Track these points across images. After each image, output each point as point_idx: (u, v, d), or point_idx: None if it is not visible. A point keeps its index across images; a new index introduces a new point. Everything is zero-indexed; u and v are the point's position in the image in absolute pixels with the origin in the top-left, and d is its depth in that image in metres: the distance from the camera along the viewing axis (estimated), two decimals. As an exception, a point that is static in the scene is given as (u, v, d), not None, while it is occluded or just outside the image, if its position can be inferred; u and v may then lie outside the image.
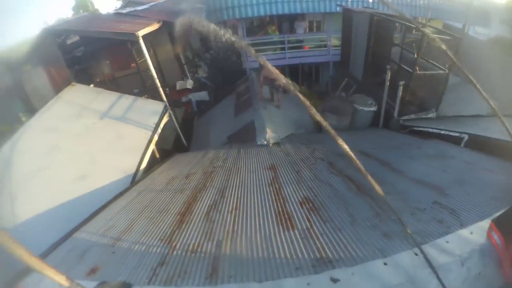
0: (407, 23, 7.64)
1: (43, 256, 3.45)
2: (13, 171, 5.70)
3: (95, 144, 6.86)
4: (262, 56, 1.92)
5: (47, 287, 2.50)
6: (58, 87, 8.78)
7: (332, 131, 2.04)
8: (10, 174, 5.64)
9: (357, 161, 2.06)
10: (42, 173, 5.79)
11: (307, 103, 2.02)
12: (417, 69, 6.83)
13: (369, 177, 2.09)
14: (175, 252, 3.05)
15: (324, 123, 2.01)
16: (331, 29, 13.49)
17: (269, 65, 2.01)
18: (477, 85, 2.57)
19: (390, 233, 2.87)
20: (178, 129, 9.57)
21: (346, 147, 2.00)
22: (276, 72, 1.95)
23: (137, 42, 8.18)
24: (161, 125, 8.20)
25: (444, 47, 2.61)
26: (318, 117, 2.08)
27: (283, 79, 1.93)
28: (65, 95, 8.37)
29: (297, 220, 3.36)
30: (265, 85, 9.06)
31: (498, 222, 2.50)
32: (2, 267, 2.58)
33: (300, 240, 2.95)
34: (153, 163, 7.32)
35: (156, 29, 9.68)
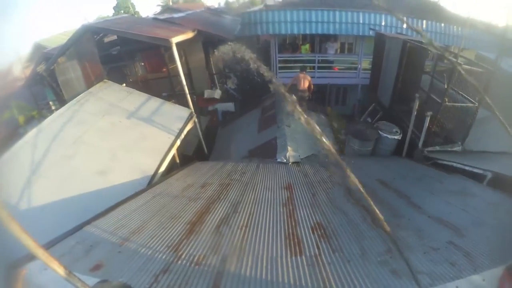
0: (439, 52, 7.52)
1: (51, 244, 3.48)
2: (36, 156, 5.85)
3: (118, 141, 6.99)
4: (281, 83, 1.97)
5: (51, 275, 2.53)
6: (91, 82, 9.07)
7: (342, 162, 2.03)
8: (33, 158, 5.79)
9: (365, 193, 2.03)
10: (63, 162, 5.93)
11: (318, 133, 2.02)
12: (446, 100, 6.68)
13: (377, 211, 2.05)
14: (179, 262, 3.05)
15: (334, 152, 2.00)
16: (362, 52, 13.46)
17: (286, 94, 2.04)
18: (503, 121, 2.48)
19: (399, 271, 2.79)
20: (201, 137, 9.67)
21: (355, 180, 1.97)
22: (288, 97, 1.97)
23: (170, 48, 8.39)
24: (185, 131, 8.29)
25: (473, 80, 2.56)
26: (326, 145, 2.08)
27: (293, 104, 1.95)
28: (96, 90, 8.62)
29: (306, 245, 3.31)
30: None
31: (511, 270, 2.38)
32: (5, 251, 2.61)
33: (306, 267, 2.90)
34: (173, 168, 7.40)
35: (190, 38, 9.90)
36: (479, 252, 3.01)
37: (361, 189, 1.97)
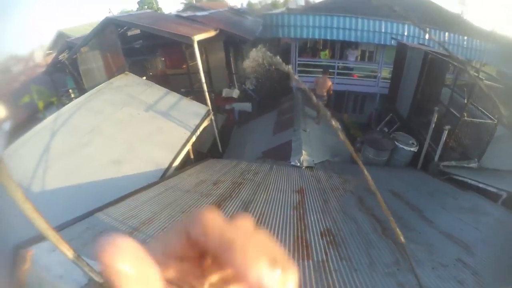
0: (460, 66, 7.42)
1: (61, 227, 3.52)
2: (52, 141, 5.99)
3: (134, 133, 7.09)
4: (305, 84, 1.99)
5: (59, 258, 2.58)
6: (112, 73, 9.26)
7: (363, 167, 2.04)
8: (50, 143, 5.93)
9: (383, 203, 2.03)
10: (80, 150, 6.05)
11: (342, 134, 2.04)
12: (465, 115, 6.59)
13: (393, 222, 2.05)
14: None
15: (357, 157, 2.02)
16: (382, 61, 13.35)
17: (310, 93, 2.07)
18: None
19: (405, 284, 2.79)
20: (217, 134, 9.75)
21: (374, 186, 1.98)
22: (315, 100, 2.00)
23: (192, 46, 8.49)
24: (201, 128, 8.38)
25: (494, 95, 2.55)
26: (351, 148, 2.09)
27: (322, 109, 1.97)
28: (117, 82, 8.78)
29: (314, 250, 3.33)
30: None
31: None
32: (12, 231, 2.65)
33: (313, 272, 2.92)
34: (186, 163, 7.48)
35: (212, 36, 10.00)
36: (488, 271, 2.99)
37: (379, 196, 1.97)
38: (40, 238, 2.81)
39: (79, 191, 5.19)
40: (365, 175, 1.96)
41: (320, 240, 3.56)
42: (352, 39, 12.81)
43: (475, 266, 3.08)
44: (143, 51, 12.53)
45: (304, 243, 3.46)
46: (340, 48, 14.43)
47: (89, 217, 3.96)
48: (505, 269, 3.03)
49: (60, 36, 18.07)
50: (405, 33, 12.62)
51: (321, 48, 15.30)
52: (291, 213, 4.31)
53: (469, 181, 6.05)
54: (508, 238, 3.86)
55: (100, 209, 4.21)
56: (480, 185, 5.75)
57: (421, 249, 3.47)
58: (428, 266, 3.10)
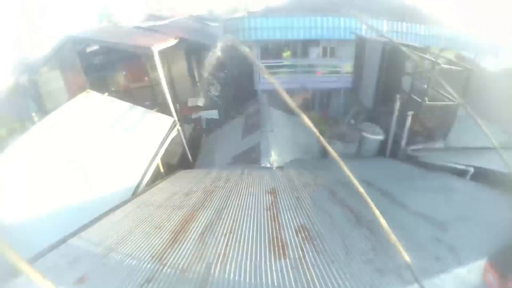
0: (419, 54, 7.65)
1: (36, 258, 3.48)
2: (18, 169, 5.77)
3: (101, 152, 6.92)
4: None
5: None
6: (73, 92, 8.98)
7: (339, 159, 2.04)
8: (15, 172, 5.71)
9: (365, 194, 2.03)
10: (47, 174, 5.86)
11: (313, 128, 2.04)
12: (427, 99, 6.79)
13: (376, 211, 2.05)
14: (164, 271, 3.01)
15: (332, 151, 2.02)
16: (344, 56, 13.59)
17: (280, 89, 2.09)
18: (475, 117, 2.54)
19: (383, 269, 2.80)
20: (185, 145, 9.62)
21: (352, 177, 1.98)
22: (285, 96, 2.01)
23: (152, 57, 8.35)
24: (168, 140, 8.25)
25: (450, 80, 2.62)
26: (325, 143, 2.09)
27: (291, 104, 1.98)
28: (78, 101, 8.52)
29: (290, 248, 3.30)
30: None
31: (492, 261, 2.41)
32: None
33: (290, 270, 2.88)
34: (157, 177, 7.34)
35: (173, 45, 9.89)
36: (463, 246, 3.04)
37: (360, 187, 1.98)
38: (17, 272, 2.74)
39: (51, 217, 5.08)
40: (343, 169, 1.94)
41: (296, 237, 3.53)
42: (313, 37, 12.96)
43: (451, 242, 3.13)
44: (104, 66, 12.23)
45: (280, 243, 3.42)
46: (301, 47, 14.54)
47: (62, 244, 3.86)
48: (481, 241, 3.09)
49: (20, 57, 17.36)
50: (364, 27, 12.90)
51: (283, 49, 15.40)
52: (265, 214, 4.27)
53: (437, 161, 6.23)
54: (480, 210, 3.97)
55: (73, 234, 4.12)
56: (448, 164, 5.92)
57: (396, 233, 3.49)
58: (404, 247, 3.12)
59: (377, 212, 2.02)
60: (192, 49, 13.06)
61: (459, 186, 4.93)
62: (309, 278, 2.74)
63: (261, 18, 12.87)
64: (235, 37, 12.12)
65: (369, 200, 1.99)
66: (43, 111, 9.28)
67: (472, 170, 5.35)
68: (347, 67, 13.46)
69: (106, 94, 10.15)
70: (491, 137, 2.69)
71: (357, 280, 2.66)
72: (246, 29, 12.43)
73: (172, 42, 9.78)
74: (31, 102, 11.18)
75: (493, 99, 7.69)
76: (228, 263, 3.08)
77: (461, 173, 5.52)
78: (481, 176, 5.14)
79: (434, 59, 6.92)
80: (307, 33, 12.79)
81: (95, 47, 12.58)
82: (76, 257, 3.44)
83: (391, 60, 8.38)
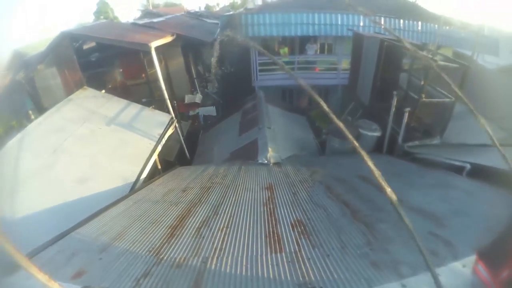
0: (415, 51, 7.67)
1: (34, 253, 3.50)
2: (17, 167, 5.79)
3: (99, 149, 6.95)
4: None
5: (34, 285, 2.49)
6: (70, 89, 8.97)
7: (363, 152, 2.05)
8: (14, 169, 5.73)
9: (387, 188, 2.03)
10: (44, 171, 5.90)
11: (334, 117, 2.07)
12: (423, 96, 6.81)
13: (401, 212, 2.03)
14: (160, 265, 3.03)
15: (355, 143, 2.03)
16: (341, 53, 13.62)
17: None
18: (475, 113, 2.55)
19: (379, 262, 2.81)
20: (183, 141, 9.63)
21: (373, 167, 1.98)
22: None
23: (149, 53, 8.34)
24: (166, 137, 8.26)
25: (446, 76, 2.63)
26: (345, 131, 2.10)
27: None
28: (75, 98, 8.53)
29: (286, 243, 3.32)
30: None
31: (482, 253, 2.43)
32: None
33: (286, 264, 2.90)
34: (154, 174, 7.35)
35: (169, 42, 9.87)
36: (460, 240, 3.06)
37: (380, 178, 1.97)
38: (15, 266, 2.73)
39: (49, 213, 5.11)
40: (367, 164, 1.93)
41: (292, 232, 3.55)
42: (310, 34, 12.97)
43: (447, 237, 3.14)
44: (101, 63, 12.18)
45: (276, 237, 3.44)
46: (299, 43, 14.56)
47: (60, 240, 3.88)
48: (476, 236, 3.11)
49: (17, 55, 17.29)
50: (361, 24, 12.92)
51: (280, 46, 15.41)
52: (262, 209, 4.29)
53: (434, 158, 6.25)
54: (476, 206, 3.99)
55: (70, 230, 4.14)
56: (445, 161, 5.94)
57: (392, 228, 3.52)
58: (399, 241, 3.14)
59: (402, 213, 2.00)
60: (189, 46, 13.05)
61: (456, 182, 4.94)
62: (305, 272, 2.75)
63: (258, 15, 12.87)
64: (238, 32, 12.15)
65: (392, 196, 1.98)
66: (40, 109, 9.25)
67: (468, 166, 5.35)
68: (345, 63, 13.49)
69: (103, 91, 10.15)
70: (491, 133, 2.70)
71: (352, 273, 2.67)
72: (243, 26, 12.42)
73: (169, 38, 9.77)
74: (28, 100, 11.15)
75: (490, 96, 7.73)
76: (225, 257, 3.10)
77: (457, 170, 5.53)
78: (477, 172, 5.15)
79: (431, 56, 6.95)
80: (305, 30, 12.79)
81: (91, 44, 12.54)
82: (73, 253, 3.46)
83: (388, 57, 8.41)
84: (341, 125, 2.11)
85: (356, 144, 1.98)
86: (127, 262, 3.14)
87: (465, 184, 4.85)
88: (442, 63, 6.66)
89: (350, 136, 2.01)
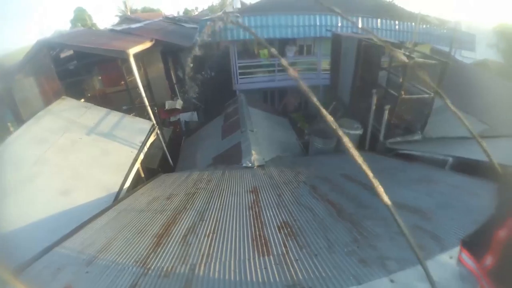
0: (392, 49, 7.79)
1: (19, 269, 3.44)
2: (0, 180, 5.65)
3: (80, 159, 6.80)
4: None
5: None
6: (49, 99, 8.76)
7: (354, 150, 2.06)
8: None
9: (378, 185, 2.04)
10: (25, 185, 5.75)
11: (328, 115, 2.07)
12: (403, 93, 6.93)
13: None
14: (148, 275, 2.98)
15: (347, 141, 2.03)
16: (321, 53, 13.74)
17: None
18: (452, 107, 2.60)
19: (367, 259, 2.83)
20: (165, 148, 9.50)
21: (364, 166, 1.99)
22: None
23: (128, 60, 8.21)
24: (148, 144, 8.15)
25: (422, 74, 2.68)
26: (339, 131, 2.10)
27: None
28: (54, 108, 8.35)
29: (273, 245, 3.31)
30: None
31: (465, 242, 2.47)
32: None
33: (274, 266, 2.89)
34: (138, 182, 7.24)
35: (148, 48, 9.76)
36: (446, 233, 3.10)
37: (369, 174, 1.98)
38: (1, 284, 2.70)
39: (32, 227, 4.99)
40: (357, 161, 1.93)
41: (278, 234, 3.55)
42: (289, 36, 13.04)
43: (433, 230, 3.18)
44: (79, 71, 11.95)
45: (263, 240, 3.43)
46: (278, 45, 14.62)
47: (45, 255, 3.82)
48: (462, 228, 3.16)
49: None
50: (339, 25, 13.07)
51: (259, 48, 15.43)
52: (247, 213, 4.28)
53: (415, 153, 6.35)
54: (461, 198, 4.06)
55: (55, 244, 4.08)
56: (426, 155, 6.04)
57: (378, 224, 3.55)
58: (386, 237, 3.17)
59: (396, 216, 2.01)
60: (168, 52, 12.93)
61: (439, 176, 5.03)
62: (293, 273, 2.75)
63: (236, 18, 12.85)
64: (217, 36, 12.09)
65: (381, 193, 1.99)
66: (20, 121, 9.01)
67: (450, 159, 5.45)
68: (325, 64, 13.61)
69: (82, 99, 9.95)
70: (469, 126, 2.75)
71: (340, 271, 2.69)
72: (222, 29, 12.39)
73: (147, 44, 9.65)
74: (8, 112, 10.84)
75: (468, 90, 7.92)
76: (212, 263, 3.07)
77: (440, 163, 5.62)
78: (459, 165, 5.24)
79: (409, 54, 7.09)
80: (283, 32, 12.84)
81: (69, 52, 12.30)
82: (59, 268, 3.40)
83: (367, 56, 8.53)
84: (334, 125, 2.11)
85: (350, 145, 1.99)
86: (114, 274, 3.08)
87: (448, 177, 4.94)
88: (420, 60, 6.80)
89: (343, 137, 2.01)
